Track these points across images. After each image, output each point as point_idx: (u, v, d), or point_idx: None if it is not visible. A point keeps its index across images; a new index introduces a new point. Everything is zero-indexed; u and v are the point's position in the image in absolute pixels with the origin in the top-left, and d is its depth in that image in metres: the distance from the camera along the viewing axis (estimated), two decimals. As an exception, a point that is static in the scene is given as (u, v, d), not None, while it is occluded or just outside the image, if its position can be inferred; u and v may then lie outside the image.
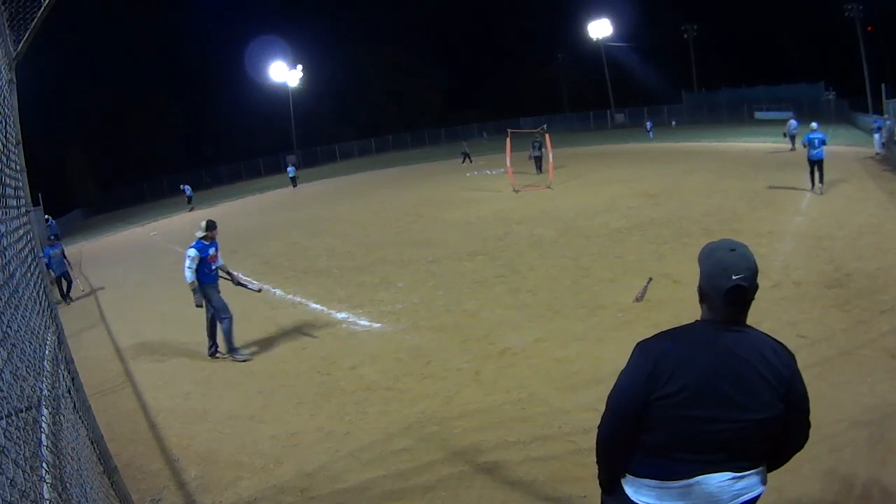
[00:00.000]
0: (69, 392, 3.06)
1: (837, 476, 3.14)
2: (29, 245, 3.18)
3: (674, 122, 41.37)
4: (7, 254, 2.31)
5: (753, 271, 1.56)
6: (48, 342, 2.94)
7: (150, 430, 4.98)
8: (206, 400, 5.44)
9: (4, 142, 2.79)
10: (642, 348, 1.64)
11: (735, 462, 1.56)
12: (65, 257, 11.62)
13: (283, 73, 49.65)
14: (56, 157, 41.16)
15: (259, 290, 7.18)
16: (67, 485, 2.14)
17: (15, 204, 2.91)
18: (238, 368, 6.16)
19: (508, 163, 17.49)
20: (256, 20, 55.57)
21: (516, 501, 3.34)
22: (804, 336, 5.04)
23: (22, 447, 1.73)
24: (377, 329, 6.76)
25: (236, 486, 3.89)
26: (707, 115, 41.64)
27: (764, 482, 1.62)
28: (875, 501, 2.98)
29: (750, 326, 1.62)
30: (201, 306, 6.31)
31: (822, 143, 12.09)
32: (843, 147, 20.31)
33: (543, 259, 8.98)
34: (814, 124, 13.14)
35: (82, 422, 3.14)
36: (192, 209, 28.05)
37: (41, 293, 3.14)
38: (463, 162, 29.17)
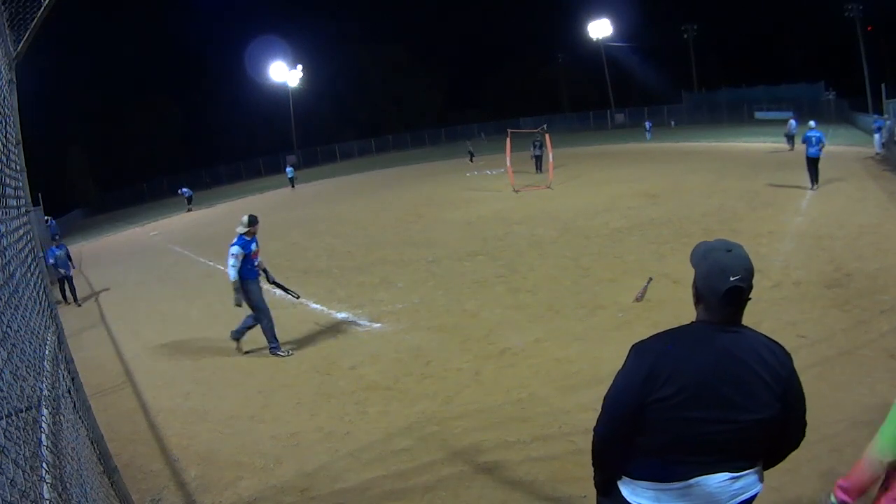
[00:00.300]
0: (69, 392, 3.06)
1: (837, 476, 3.13)
2: (29, 245, 3.17)
3: (673, 123, 41.37)
4: (7, 254, 2.31)
5: (750, 272, 1.56)
6: (48, 342, 2.94)
7: (150, 430, 4.98)
8: (206, 400, 5.44)
9: (4, 142, 2.79)
10: (638, 350, 1.63)
11: (733, 462, 1.56)
12: (69, 259, 11.28)
13: (283, 73, 49.64)
14: (56, 157, 41.19)
15: (298, 298, 6.87)
16: (67, 485, 2.13)
17: (15, 204, 2.91)
18: (238, 368, 6.16)
19: (508, 163, 17.49)
20: (256, 20, 55.58)
21: (516, 501, 3.34)
22: (804, 336, 5.04)
23: (22, 447, 1.73)
24: (377, 329, 6.76)
25: (236, 486, 3.89)
26: (707, 115, 41.61)
27: (761, 480, 1.63)
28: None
29: (746, 327, 1.61)
30: (240, 306, 6.16)
31: (819, 141, 12.20)
32: (843, 147, 20.31)
33: (543, 259, 8.98)
34: (812, 123, 13.22)
35: (82, 422, 3.14)
36: (190, 210, 28.05)
37: (41, 293, 3.14)
38: (471, 160, 29.19)
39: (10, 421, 1.69)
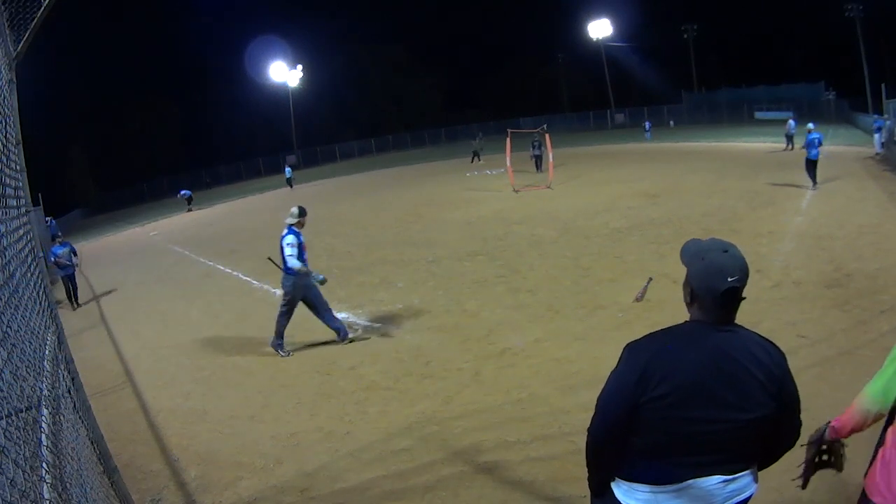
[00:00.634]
0: (69, 392, 3.06)
1: (837, 476, 3.13)
2: (29, 245, 3.18)
3: (672, 122, 41.37)
4: (7, 254, 2.31)
5: (746, 272, 1.56)
6: (48, 342, 2.94)
7: (150, 430, 4.98)
8: (206, 400, 5.44)
9: (4, 142, 2.79)
10: (632, 349, 1.62)
11: (727, 464, 1.55)
12: (74, 256, 10.90)
13: (283, 73, 49.63)
14: (56, 157, 41.16)
15: (323, 281, 6.63)
16: (67, 485, 2.14)
17: (15, 204, 2.91)
18: (238, 368, 6.16)
19: (508, 163, 17.49)
20: (256, 20, 55.65)
21: (516, 501, 3.34)
22: (804, 336, 5.04)
23: (22, 447, 1.73)
24: (377, 329, 6.76)
25: (236, 486, 3.89)
26: (707, 115, 41.63)
27: (756, 482, 1.62)
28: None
29: (740, 326, 1.60)
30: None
31: (820, 143, 12.37)
32: (843, 147, 20.32)
33: (543, 259, 8.98)
34: (811, 125, 13.24)
35: (82, 422, 3.14)
36: (190, 210, 28.05)
37: (41, 293, 3.14)
38: (478, 159, 29.14)
39: (10, 421, 1.69)
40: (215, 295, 9.80)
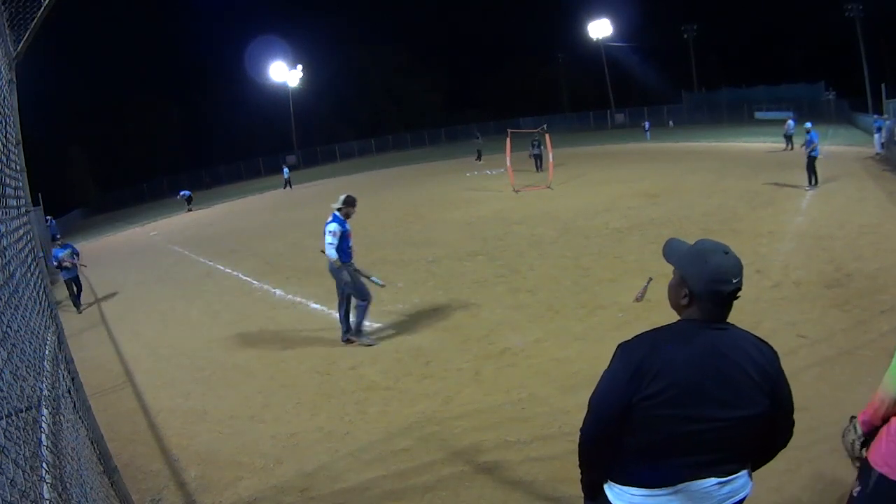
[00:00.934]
0: (69, 392, 3.06)
1: (837, 476, 3.13)
2: (29, 245, 3.18)
3: (671, 122, 41.38)
4: (7, 254, 2.31)
5: (742, 271, 1.58)
6: (48, 342, 2.95)
7: (150, 430, 4.98)
8: (206, 400, 5.44)
9: (4, 142, 2.79)
10: (624, 349, 1.61)
11: (722, 465, 1.54)
12: (76, 256, 10.51)
13: (283, 73, 49.63)
14: (56, 157, 41.14)
15: (383, 286, 6.68)
16: (67, 485, 2.14)
17: (15, 204, 2.91)
18: (238, 368, 6.16)
19: (508, 162, 17.49)
20: (256, 20, 55.63)
21: (516, 501, 3.34)
22: (804, 336, 5.03)
23: (22, 447, 1.73)
24: (377, 329, 6.76)
25: (236, 486, 3.89)
26: (707, 115, 41.64)
27: (750, 482, 1.62)
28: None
29: (732, 324, 1.60)
30: (349, 283, 6.00)
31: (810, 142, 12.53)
32: (843, 147, 20.33)
33: (543, 259, 8.98)
34: (808, 124, 13.26)
35: (82, 422, 3.14)
36: (190, 210, 28.05)
37: (41, 293, 3.14)
38: (479, 159, 29.04)
39: (10, 421, 1.69)
40: (215, 295, 9.80)
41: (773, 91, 41.30)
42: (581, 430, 1.70)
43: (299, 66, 50.08)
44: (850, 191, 11.88)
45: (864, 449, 1.96)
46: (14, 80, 3.45)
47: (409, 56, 58.10)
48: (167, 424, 5.02)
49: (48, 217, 21.18)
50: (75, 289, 10.38)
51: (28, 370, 2.20)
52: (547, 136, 18.21)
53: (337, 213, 5.99)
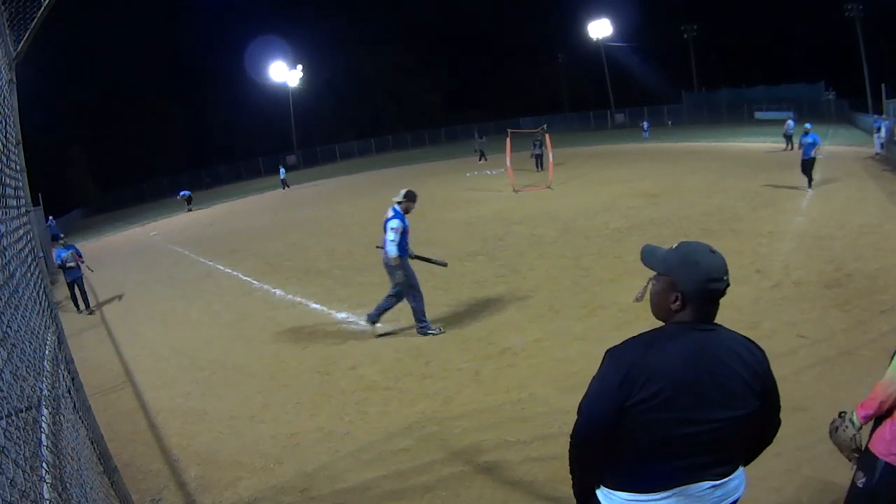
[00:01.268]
0: (69, 392, 3.06)
1: (837, 476, 3.14)
2: (29, 245, 3.18)
3: (670, 122, 41.38)
4: (7, 254, 2.31)
5: (727, 268, 1.59)
6: (48, 342, 2.94)
7: (150, 430, 4.98)
8: (206, 400, 5.44)
9: (4, 142, 2.79)
10: (614, 354, 1.59)
11: (715, 467, 1.54)
12: (80, 258, 10.15)
13: (283, 73, 49.63)
14: (56, 157, 41.14)
15: (446, 265, 6.63)
16: (67, 485, 2.13)
17: (15, 204, 2.91)
18: (238, 368, 6.15)
19: (508, 162, 17.49)
20: (256, 20, 55.60)
21: (516, 501, 3.34)
22: (804, 336, 5.03)
23: (22, 447, 1.73)
24: (377, 329, 6.76)
25: (236, 486, 3.89)
26: (707, 115, 41.64)
27: (743, 483, 1.62)
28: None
29: (720, 325, 1.60)
30: (403, 283, 5.96)
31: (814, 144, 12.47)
32: (843, 147, 20.34)
33: (543, 259, 8.98)
34: (807, 125, 13.26)
35: (82, 422, 3.14)
36: (190, 210, 28.04)
37: (41, 293, 3.14)
38: (483, 159, 29.00)
39: (10, 421, 1.69)
40: (215, 295, 9.80)
41: (773, 91, 41.32)
42: (571, 435, 1.68)
43: (299, 66, 50.10)
44: (850, 191, 11.88)
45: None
46: (14, 80, 3.45)
47: (409, 56, 58.09)
48: (167, 424, 5.02)
49: (49, 217, 21.19)
50: (79, 292, 10.04)
51: (28, 370, 2.20)
52: (547, 135, 18.21)
53: (397, 208, 5.97)
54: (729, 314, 5.70)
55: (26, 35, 3.56)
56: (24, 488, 1.55)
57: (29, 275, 2.93)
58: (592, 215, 11.99)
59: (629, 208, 12.24)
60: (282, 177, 31.44)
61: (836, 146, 20.36)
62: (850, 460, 2.05)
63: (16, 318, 2.20)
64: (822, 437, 3.31)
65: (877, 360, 4.47)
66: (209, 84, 52.09)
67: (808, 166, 12.31)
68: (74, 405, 3.09)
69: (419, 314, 6.16)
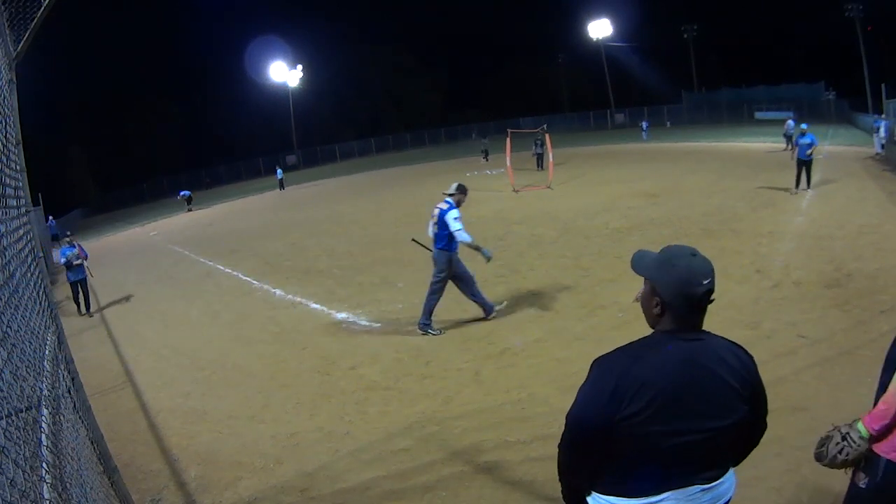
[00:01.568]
0: (69, 392, 3.06)
1: (837, 477, 3.14)
2: (29, 245, 3.18)
3: (668, 123, 41.38)
4: (7, 254, 2.31)
5: (714, 273, 1.55)
6: (48, 342, 2.95)
7: (150, 430, 4.98)
8: (206, 400, 5.44)
9: (4, 142, 2.79)
10: (601, 365, 1.56)
11: (705, 472, 1.54)
12: (84, 257, 9.81)
13: (283, 73, 49.63)
14: (56, 157, 41.13)
15: (490, 257, 6.72)
16: (67, 485, 2.13)
17: (15, 204, 2.91)
18: (238, 368, 6.15)
19: (508, 162, 17.50)
20: (256, 20, 55.55)
21: (516, 501, 3.34)
22: (804, 336, 5.03)
23: (22, 447, 1.73)
24: (377, 329, 6.76)
25: (236, 486, 3.89)
26: (707, 115, 41.65)
27: (734, 485, 1.62)
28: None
29: (708, 332, 1.58)
30: (444, 272, 5.99)
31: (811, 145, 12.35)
32: (843, 147, 20.34)
33: (543, 259, 8.98)
34: (804, 126, 13.23)
35: (82, 422, 3.14)
36: (190, 209, 28.04)
37: (41, 293, 3.14)
38: (486, 159, 28.94)
39: (10, 421, 1.69)
40: (215, 295, 9.80)
41: (773, 91, 41.31)
42: (559, 445, 1.67)
43: (299, 66, 50.10)
44: (850, 191, 11.88)
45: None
46: (14, 80, 3.45)
47: (409, 56, 58.07)
48: (167, 424, 5.02)
49: (49, 217, 21.18)
50: (81, 294, 9.80)
51: (28, 370, 2.20)
52: (547, 135, 18.22)
53: (450, 200, 6.02)
54: (729, 314, 5.71)
55: (26, 35, 3.56)
56: (24, 488, 1.55)
57: (29, 275, 2.93)
58: (592, 215, 11.99)
59: (629, 208, 12.24)
60: (279, 177, 31.43)
61: (836, 146, 20.36)
62: (845, 474, 2.04)
63: (16, 318, 2.20)
64: (822, 437, 3.32)
65: (877, 360, 4.45)
66: (209, 84, 52.09)
67: (804, 166, 12.27)
68: (74, 405, 3.09)
69: (428, 312, 6.20)
